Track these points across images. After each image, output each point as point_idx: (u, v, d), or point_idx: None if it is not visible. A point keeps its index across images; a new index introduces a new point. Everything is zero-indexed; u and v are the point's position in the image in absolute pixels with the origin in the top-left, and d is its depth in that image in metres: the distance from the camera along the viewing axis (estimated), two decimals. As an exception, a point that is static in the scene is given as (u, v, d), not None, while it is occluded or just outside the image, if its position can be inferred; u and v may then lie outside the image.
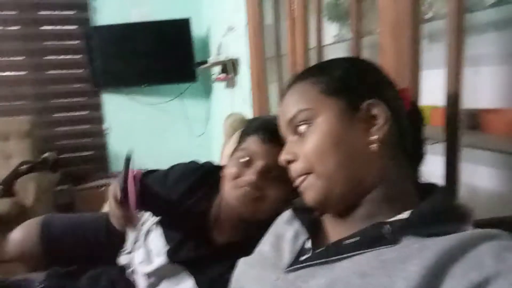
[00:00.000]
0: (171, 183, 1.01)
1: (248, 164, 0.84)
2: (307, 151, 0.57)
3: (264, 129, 0.85)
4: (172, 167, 1.07)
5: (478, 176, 0.88)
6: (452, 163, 0.75)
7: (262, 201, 0.82)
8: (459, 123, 0.73)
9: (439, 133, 0.78)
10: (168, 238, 0.93)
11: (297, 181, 0.60)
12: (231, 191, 0.84)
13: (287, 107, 0.61)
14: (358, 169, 0.56)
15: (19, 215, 2.23)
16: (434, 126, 0.94)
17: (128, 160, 0.91)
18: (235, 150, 0.90)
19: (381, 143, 0.55)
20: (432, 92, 0.83)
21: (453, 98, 0.75)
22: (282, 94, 0.65)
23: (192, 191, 0.98)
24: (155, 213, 0.98)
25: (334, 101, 0.57)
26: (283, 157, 0.61)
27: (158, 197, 0.99)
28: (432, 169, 0.78)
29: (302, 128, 0.58)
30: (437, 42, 1.03)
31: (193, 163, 1.07)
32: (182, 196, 0.98)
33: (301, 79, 0.62)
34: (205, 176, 1.00)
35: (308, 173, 0.57)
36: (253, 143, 0.85)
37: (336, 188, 0.56)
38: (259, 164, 0.83)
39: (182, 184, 1.00)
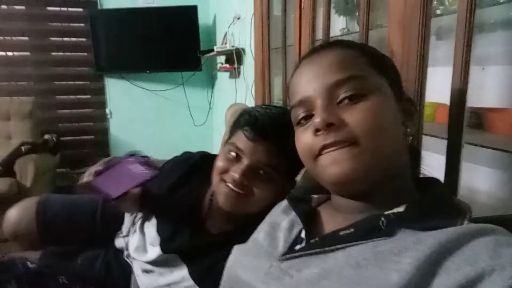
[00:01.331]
0: (163, 176, 1.00)
1: (235, 159, 0.82)
2: (362, 120, 0.51)
3: (253, 125, 0.81)
4: (167, 161, 1.06)
5: (479, 176, 0.87)
6: (453, 160, 0.74)
7: (247, 198, 0.80)
8: (463, 121, 0.72)
9: (443, 130, 0.78)
10: (160, 229, 0.92)
11: (332, 148, 0.52)
12: (217, 186, 0.83)
13: (331, 68, 0.54)
14: (397, 156, 0.55)
15: (18, 195, 2.23)
16: (439, 123, 0.94)
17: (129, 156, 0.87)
18: (225, 142, 0.88)
19: (413, 137, 0.55)
20: (438, 89, 0.82)
21: (459, 96, 0.74)
22: (314, 52, 0.59)
23: (183, 182, 0.97)
24: (151, 211, 0.97)
25: (384, 79, 0.55)
26: (326, 118, 0.52)
27: (152, 195, 0.98)
28: (434, 166, 0.78)
29: (351, 95, 0.52)
30: (444, 39, 1.02)
31: (185, 154, 1.06)
32: (172, 187, 0.97)
33: (343, 46, 0.58)
34: (197, 167, 0.99)
35: (352, 143, 0.51)
36: (240, 139, 0.82)
37: (378, 169, 0.52)
38: (245, 162, 0.80)
39: (172, 175, 0.99)
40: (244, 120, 0.84)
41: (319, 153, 0.54)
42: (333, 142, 0.52)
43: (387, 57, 0.61)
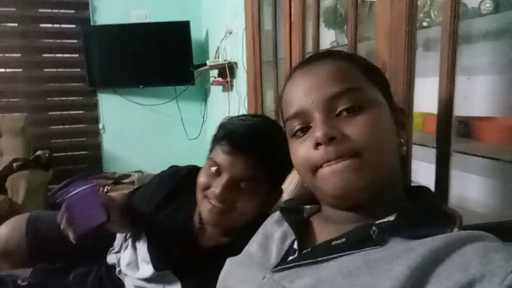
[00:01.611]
0: (150, 193, 0.99)
1: (216, 174, 0.81)
2: (364, 133, 0.51)
3: (230, 139, 0.80)
4: (154, 176, 1.04)
5: (469, 184, 0.88)
6: (443, 169, 0.75)
7: (230, 213, 0.80)
8: (451, 130, 0.73)
9: (433, 139, 0.79)
10: (151, 247, 0.91)
11: (334, 162, 0.51)
12: (201, 203, 0.83)
13: (328, 80, 0.54)
14: (394, 166, 0.55)
15: (9, 212, 2.20)
16: (428, 133, 0.95)
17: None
18: (207, 158, 0.88)
19: (405, 147, 0.56)
20: (427, 99, 0.83)
21: (446, 105, 0.75)
22: (307, 63, 0.58)
23: (172, 197, 0.96)
24: (141, 229, 0.96)
25: (378, 90, 0.55)
26: (328, 132, 0.51)
27: (137, 213, 0.97)
28: (424, 175, 0.79)
29: (350, 107, 0.52)
30: (432, 50, 1.04)
31: (172, 168, 1.03)
32: (161, 203, 0.95)
33: (336, 57, 0.57)
34: (185, 181, 0.97)
35: (353, 156, 0.51)
36: (218, 154, 0.81)
37: (378, 182, 0.52)
38: (224, 177, 0.79)
39: (161, 191, 0.97)
40: (220, 135, 0.84)
41: (320, 166, 0.53)
42: (335, 157, 0.51)
43: (378, 68, 0.62)
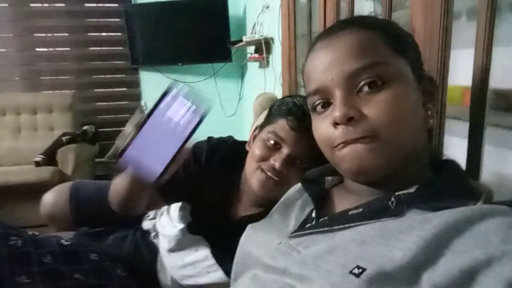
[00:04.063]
0: (203, 161, 0.98)
1: (274, 148, 0.82)
2: (383, 113, 0.49)
3: (295, 115, 0.80)
4: (197, 146, 0.99)
5: (507, 161, 0.83)
6: (475, 143, 0.72)
7: (282, 186, 0.80)
8: (485, 102, 0.69)
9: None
10: (193, 212, 0.96)
11: (351, 143, 0.51)
12: (253, 173, 0.83)
13: (349, 55, 0.51)
14: (417, 142, 0.54)
15: (60, 183, 2.36)
16: (467, 107, 0.90)
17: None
18: (262, 128, 0.88)
19: (433, 119, 0.54)
20: (468, 72, 0.79)
21: (480, 76, 0.70)
22: (330, 33, 0.55)
23: (220, 167, 0.97)
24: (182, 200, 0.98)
25: (404, 61, 0.53)
26: (346, 112, 0.50)
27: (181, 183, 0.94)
28: (461, 150, 0.75)
29: (371, 81, 0.50)
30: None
31: (213, 140, 1.01)
32: (211, 173, 0.97)
33: (361, 26, 0.54)
34: (229, 153, 0.98)
35: (372, 136, 0.50)
36: (282, 128, 0.81)
37: (397, 159, 0.51)
38: (285, 151, 0.80)
39: (212, 161, 0.97)
40: (288, 109, 0.83)
41: (338, 144, 0.53)
42: (353, 137, 0.51)
43: (408, 34, 0.58)
